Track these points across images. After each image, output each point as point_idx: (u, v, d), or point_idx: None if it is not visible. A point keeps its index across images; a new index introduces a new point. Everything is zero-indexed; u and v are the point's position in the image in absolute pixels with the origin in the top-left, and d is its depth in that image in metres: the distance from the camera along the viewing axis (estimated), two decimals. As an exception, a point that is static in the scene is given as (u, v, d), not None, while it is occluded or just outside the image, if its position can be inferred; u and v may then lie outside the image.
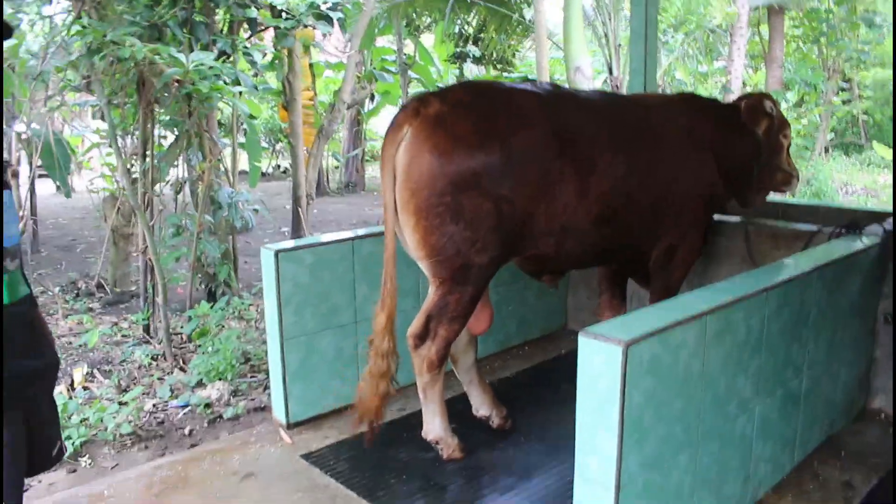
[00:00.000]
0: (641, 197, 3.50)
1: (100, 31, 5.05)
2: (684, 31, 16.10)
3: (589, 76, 10.28)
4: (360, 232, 4.11)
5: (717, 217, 4.18)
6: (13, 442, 2.02)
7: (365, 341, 4.04)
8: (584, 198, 3.25)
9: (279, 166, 18.66)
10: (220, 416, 4.54)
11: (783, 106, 14.24)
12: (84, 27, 5.13)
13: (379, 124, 18.87)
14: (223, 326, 5.87)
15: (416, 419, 3.51)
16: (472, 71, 16.42)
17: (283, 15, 6.65)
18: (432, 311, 3.21)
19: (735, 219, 4.38)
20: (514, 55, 15.42)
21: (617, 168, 3.36)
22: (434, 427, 3.45)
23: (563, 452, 3.52)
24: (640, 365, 2.28)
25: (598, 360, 2.29)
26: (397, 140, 3.06)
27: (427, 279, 3.26)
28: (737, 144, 3.93)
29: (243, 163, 9.90)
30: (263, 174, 12.39)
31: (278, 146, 18.31)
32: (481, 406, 3.80)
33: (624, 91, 11.97)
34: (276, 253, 3.67)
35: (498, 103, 3.19)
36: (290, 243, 3.92)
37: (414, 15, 12.76)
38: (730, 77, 14.78)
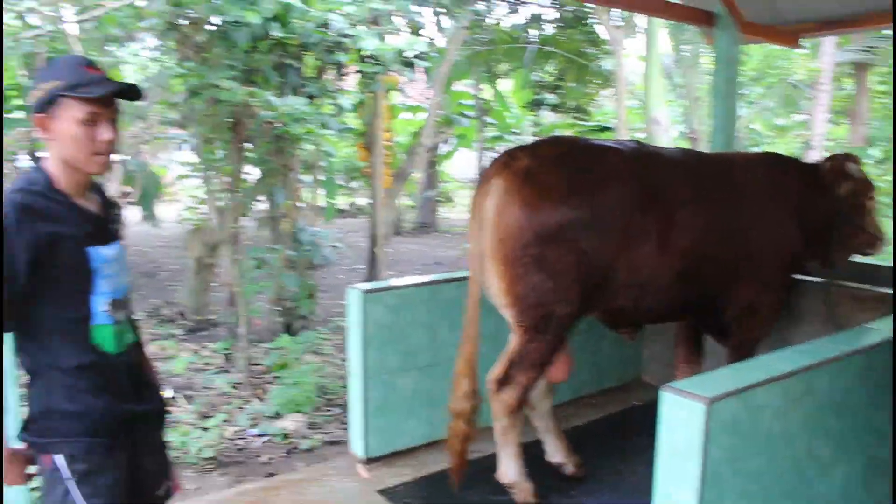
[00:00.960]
0: (722, 254, 3.55)
1: (201, 74, 5.36)
2: (764, 85, 15.99)
3: (666, 128, 10.32)
4: (442, 276, 4.23)
5: (798, 277, 4.17)
6: (116, 485, 2.10)
7: (442, 383, 4.16)
8: (665, 253, 3.32)
9: (353, 204, 19.03)
10: (297, 448, 4.68)
11: (866, 162, 13.95)
12: (188, 70, 5.45)
13: (454, 167, 19.15)
14: (298, 360, 6.05)
15: (490, 461, 3.57)
16: (549, 118, 16.58)
17: (370, 60, 6.90)
18: (514, 358, 3.29)
19: (817, 279, 4.36)
20: (590, 104, 15.51)
21: (698, 225, 3.42)
22: (509, 470, 3.50)
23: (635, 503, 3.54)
24: (721, 422, 2.32)
25: (681, 416, 2.33)
26: (487, 192, 3.19)
27: (507, 327, 3.35)
28: (819, 205, 3.94)
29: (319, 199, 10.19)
30: (338, 211, 12.70)
31: (354, 184, 18.68)
32: (555, 453, 3.85)
33: (701, 144, 11.95)
34: (363, 293, 3.81)
35: (585, 159, 3.30)
36: (375, 284, 4.07)
37: (493, 62, 12.99)
38: (811, 132, 14.59)
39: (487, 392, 3.38)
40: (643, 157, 3.47)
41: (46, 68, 2.00)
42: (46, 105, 1.93)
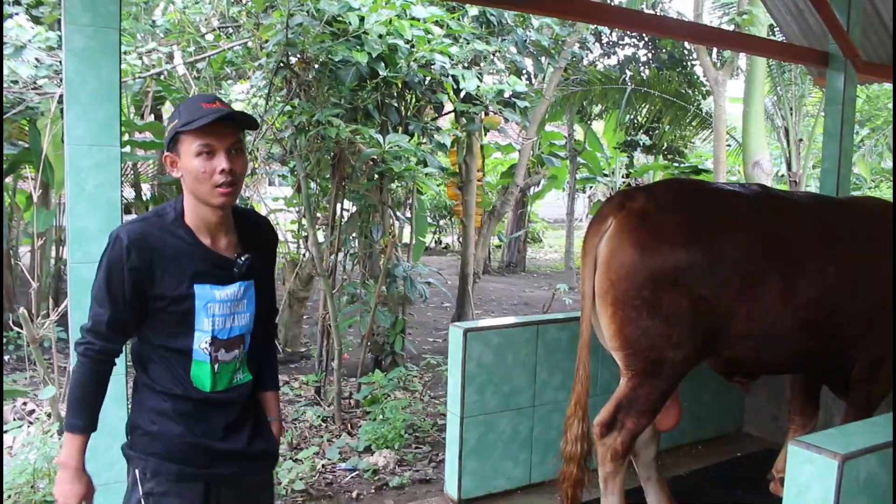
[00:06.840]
0: (852, 305, 3.37)
1: (309, 112, 5.48)
2: (870, 126, 15.42)
3: (768, 171, 10.03)
4: (546, 317, 4.17)
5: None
6: None
7: (542, 425, 4.09)
8: (789, 303, 3.19)
9: (440, 241, 19.17)
10: (387, 484, 4.64)
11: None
12: (294, 108, 5.59)
13: (542, 207, 19.13)
14: (388, 396, 6.04)
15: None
16: (641, 160, 16.40)
17: (471, 100, 6.94)
18: (622, 402, 3.21)
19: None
20: (686, 146, 15.26)
21: (827, 274, 3.28)
22: (612, 519, 3.39)
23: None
24: (855, 481, 2.19)
25: (809, 472, 2.22)
26: (601, 231, 3.14)
27: (616, 371, 3.27)
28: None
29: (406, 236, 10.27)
30: (425, 248, 12.76)
31: (442, 222, 18.84)
32: (657, 502, 3.71)
33: (802, 187, 11.58)
34: (465, 331, 3.78)
35: (704, 203, 3.23)
36: (477, 323, 4.04)
37: (587, 103, 12.94)
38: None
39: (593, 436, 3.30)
40: (768, 202, 3.38)
41: (175, 109, 2.07)
42: (170, 144, 2.02)
